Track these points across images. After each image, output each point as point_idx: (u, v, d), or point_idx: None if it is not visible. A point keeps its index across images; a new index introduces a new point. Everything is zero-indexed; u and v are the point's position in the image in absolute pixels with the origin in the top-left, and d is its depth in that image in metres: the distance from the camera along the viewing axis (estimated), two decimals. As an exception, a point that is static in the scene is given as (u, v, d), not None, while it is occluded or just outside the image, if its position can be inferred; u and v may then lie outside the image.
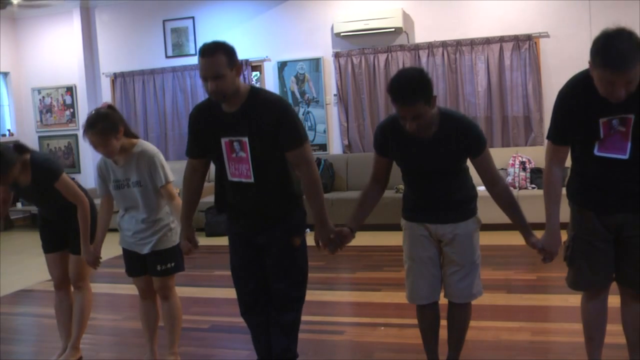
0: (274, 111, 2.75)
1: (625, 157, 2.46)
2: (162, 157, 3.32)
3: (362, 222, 2.95)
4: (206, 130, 2.88)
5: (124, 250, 3.46)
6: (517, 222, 2.79)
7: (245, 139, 2.77)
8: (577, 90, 2.49)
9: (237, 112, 2.78)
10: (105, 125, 3.12)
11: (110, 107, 3.27)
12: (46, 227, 3.71)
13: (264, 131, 2.76)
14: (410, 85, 2.57)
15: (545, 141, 2.74)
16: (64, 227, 3.60)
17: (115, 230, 3.44)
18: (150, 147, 3.32)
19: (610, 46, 2.25)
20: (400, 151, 2.83)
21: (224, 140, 2.83)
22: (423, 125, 2.66)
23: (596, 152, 2.51)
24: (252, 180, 2.83)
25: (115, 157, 3.25)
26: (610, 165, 2.50)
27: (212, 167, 3.04)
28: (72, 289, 3.75)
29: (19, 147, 3.43)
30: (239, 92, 2.76)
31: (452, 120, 2.76)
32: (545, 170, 2.68)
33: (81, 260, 3.58)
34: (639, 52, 2.23)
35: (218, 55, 2.65)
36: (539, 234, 2.74)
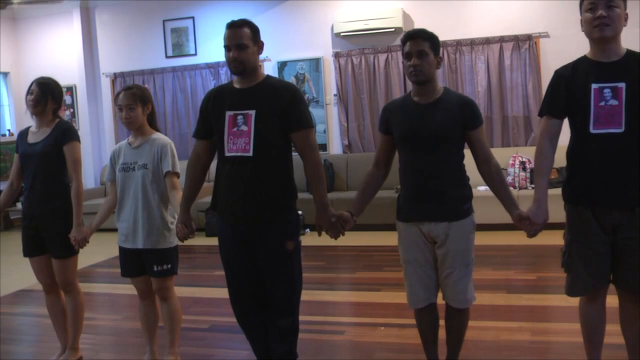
0: (286, 92, 2.85)
1: (621, 130, 2.51)
2: (174, 149, 3.46)
3: (363, 207, 2.98)
4: (214, 106, 2.93)
5: (121, 249, 3.44)
6: (504, 197, 2.83)
7: (252, 112, 2.81)
8: (570, 64, 2.66)
9: (248, 89, 2.87)
10: (140, 92, 3.35)
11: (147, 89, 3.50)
12: (26, 230, 3.64)
13: (272, 108, 2.81)
14: (422, 30, 2.89)
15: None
16: (43, 229, 3.55)
17: (116, 230, 3.44)
18: (166, 138, 3.48)
19: None
20: (401, 117, 2.91)
21: (228, 114, 2.86)
22: (425, 69, 2.80)
23: (592, 129, 2.55)
24: (250, 153, 2.79)
25: (133, 128, 3.37)
26: (608, 145, 2.54)
27: (213, 165, 3.04)
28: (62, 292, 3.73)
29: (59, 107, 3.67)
30: (256, 72, 2.88)
31: (454, 93, 2.95)
32: (537, 145, 2.75)
33: (65, 264, 3.57)
34: None
35: (244, 28, 2.84)
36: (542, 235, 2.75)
